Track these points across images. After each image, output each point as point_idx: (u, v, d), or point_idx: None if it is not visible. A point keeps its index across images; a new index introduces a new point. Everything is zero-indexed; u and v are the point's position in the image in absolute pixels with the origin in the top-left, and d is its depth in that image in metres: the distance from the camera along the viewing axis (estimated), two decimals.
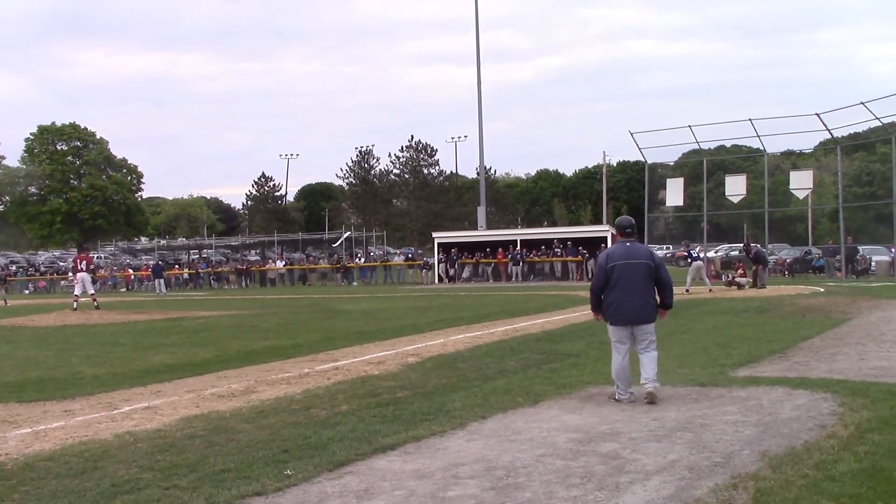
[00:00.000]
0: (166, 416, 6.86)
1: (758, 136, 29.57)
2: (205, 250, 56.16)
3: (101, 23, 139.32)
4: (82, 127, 62.13)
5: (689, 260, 23.83)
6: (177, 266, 47.69)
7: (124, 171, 64.30)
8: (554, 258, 34.88)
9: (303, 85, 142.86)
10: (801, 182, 30.98)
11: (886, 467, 4.53)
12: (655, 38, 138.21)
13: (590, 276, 27.66)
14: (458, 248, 37.65)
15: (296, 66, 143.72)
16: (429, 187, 64.46)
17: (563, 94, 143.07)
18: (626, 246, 6.96)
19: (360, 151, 67.41)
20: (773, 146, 63.51)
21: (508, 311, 17.18)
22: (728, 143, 45.53)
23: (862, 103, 25.98)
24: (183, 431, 6.15)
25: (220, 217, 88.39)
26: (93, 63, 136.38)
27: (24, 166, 61.40)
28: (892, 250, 29.80)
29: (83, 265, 21.37)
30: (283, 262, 44.41)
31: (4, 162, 63.79)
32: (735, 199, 31.11)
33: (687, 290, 21.41)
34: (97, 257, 50.10)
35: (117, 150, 73.56)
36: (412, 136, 71.05)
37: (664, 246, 52.72)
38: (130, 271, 46.36)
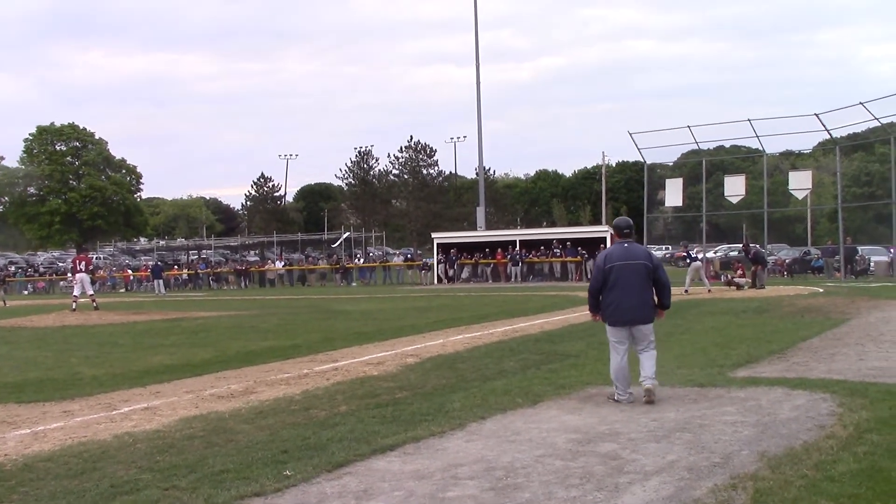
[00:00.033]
0: (165, 416, 6.86)
1: (757, 136, 29.65)
2: (204, 251, 56.10)
3: (101, 23, 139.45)
4: (81, 127, 62.11)
5: (688, 260, 23.86)
6: (176, 267, 47.65)
7: (123, 171, 64.24)
8: (553, 259, 34.89)
9: (303, 85, 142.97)
10: (799, 182, 31.02)
11: (885, 467, 4.53)
12: (655, 38, 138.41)
13: (589, 276, 27.65)
14: (458, 248, 37.66)
15: (296, 66, 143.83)
16: (428, 188, 64.50)
17: (562, 94, 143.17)
18: (624, 247, 6.96)
19: (359, 152, 67.55)
20: (772, 146, 63.61)
21: (507, 312, 17.18)
22: (727, 144, 45.67)
23: (861, 103, 26.04)
24: (182, 432, 6.15)
25: (219, 218, 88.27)
26: (92, 63, 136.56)
27: (23, 167, 61.34)
28: (891, 251, 29.82)
29: (82, 266, 21.36)
30: (283, 263, 44.38)
31: (3, 162, 63.87)
32: (734, 200, 31.15)
33: (686, 291, 21.44)
34: (96, 258, 50.05)
35: (117, 151, 73.85)
36: (411, 137, 71.42)
37: (663, 246, 52.78)
38: (129, 272, 46.33)
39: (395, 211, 67.03)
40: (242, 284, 41.58)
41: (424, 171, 65.28)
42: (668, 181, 32.57)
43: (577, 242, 34.54)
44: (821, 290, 20.70)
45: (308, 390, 7.94)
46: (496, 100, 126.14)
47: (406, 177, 65.93)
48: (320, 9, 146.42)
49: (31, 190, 61.46)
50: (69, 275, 32.01)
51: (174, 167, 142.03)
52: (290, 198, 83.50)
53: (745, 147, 41.81)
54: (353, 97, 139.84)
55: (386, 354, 10.61)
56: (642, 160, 33.80)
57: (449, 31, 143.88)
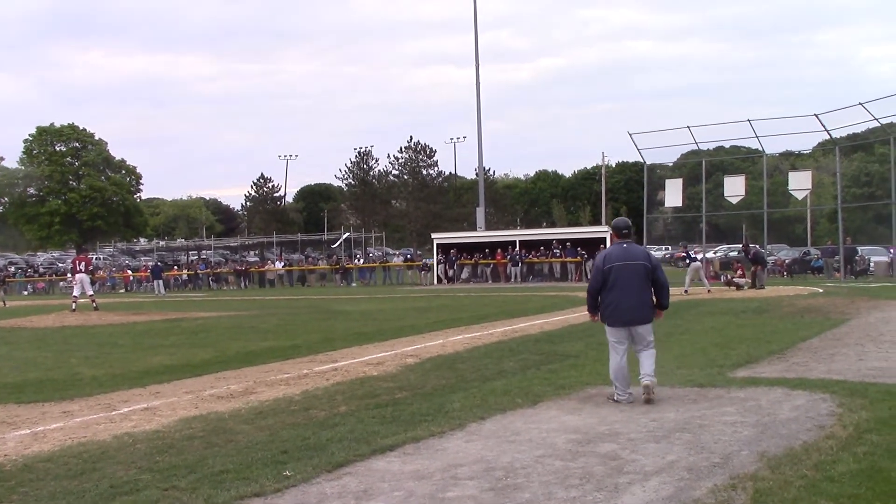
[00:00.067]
0: (165, 417, 6.86)
1: (756, 136, 29.65)
2: (204, 251, 56.07)
3: (101, 23, 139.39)
4: (81, 128, 62.19)
5: (688, 261, 23.86)
6: (175, 267, 47.62)
7: (123, 172, 64.31)
8: (553, 259, 34.90)
9: (302, 85, 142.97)
10: (799, 183, 31.02)
11: (885, 468, 4.53)
12: (655, 38, 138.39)
13: (588, 276, 27.65)
14: (457, 248, 37.67)
15: (295, 66, 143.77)
16: (428, 188, 64.47)
17: (562, 94, 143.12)
18: (622, 247, 6.97)
19: (359, 152, 67.49)
20: (772, 147, 63.18)
21: (507, 312, 17.18)
22: (727, 144, 45.60)
23: (860, 104, 26.06)
24: (182, 432, 6.15)
25: (218, 218, 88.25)
26: (92, 63, 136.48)
27: (22, 167, 61.42)
28: (891, 251, 29.84)
29: (82, 266, 21.37)
30: (282, 263, 44.37)
31: (3, 163, 63.91)
32: (734, 200, 31.15)
33: (686, 291, 21.44)
34: (96, 258, 50.06)
35: (116, 151, 73.87)
36: (411, 137, 71.22)
37: (663, 247, 52.78)
38: (129, 272, 46.32)
39: (395, 211, 67.00)
40: (242, 285, 41.57)
41: (424, 172, 65.25)
42: (667, 181, 32.58)
43: (576, 243, 34.55)
44: (820, 291, 20.70)
45: (308, 391, 7.94)
46: (496, 100, 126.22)
47: (406, 177, 65.89)
48: (320, 9, 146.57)
49: (31, 190, 61.53)
50: (69, 275, 31.99)
51: (174, 167, 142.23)
52: (289, 198, 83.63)
53: (744, 147, 41.81)
54: (353, 97, 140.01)
55: (386, 355, 10.61)
56: (642, 160, 33.81)
57: (449, 31, 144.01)
